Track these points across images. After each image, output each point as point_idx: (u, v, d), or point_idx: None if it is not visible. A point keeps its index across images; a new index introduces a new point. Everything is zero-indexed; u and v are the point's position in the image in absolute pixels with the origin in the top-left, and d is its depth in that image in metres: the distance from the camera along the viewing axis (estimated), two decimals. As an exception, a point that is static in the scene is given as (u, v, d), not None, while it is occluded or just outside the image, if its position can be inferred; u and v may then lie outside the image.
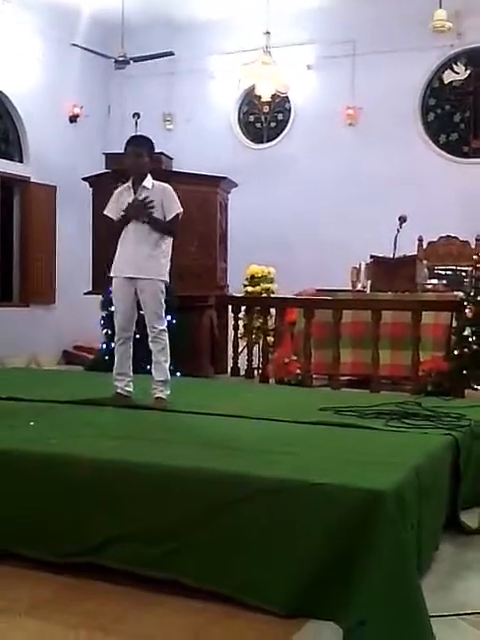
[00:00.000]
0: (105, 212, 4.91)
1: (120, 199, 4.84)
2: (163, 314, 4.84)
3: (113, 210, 4.86)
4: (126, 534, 3.08)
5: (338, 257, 9.19)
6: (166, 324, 4.87)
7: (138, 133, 8.26)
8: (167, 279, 4.85)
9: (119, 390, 4.88)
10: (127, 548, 3.06)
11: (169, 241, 4.85)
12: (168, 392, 4.81)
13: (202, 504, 2.98)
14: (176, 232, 4.89)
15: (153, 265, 4.76)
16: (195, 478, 3.05)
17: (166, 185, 4.87)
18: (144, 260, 4.74)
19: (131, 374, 4.92)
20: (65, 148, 10.99)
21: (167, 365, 4.83)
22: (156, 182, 4.84)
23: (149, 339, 4.80)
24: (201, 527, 2.97)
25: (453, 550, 3.53)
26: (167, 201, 4.78)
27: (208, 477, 3.04)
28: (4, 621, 2.71)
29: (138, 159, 4.74)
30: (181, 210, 4.83)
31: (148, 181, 4.79)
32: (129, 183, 4.83)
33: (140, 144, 4.80)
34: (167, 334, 4.84)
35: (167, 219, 4.78)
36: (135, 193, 4.77)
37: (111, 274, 4.86)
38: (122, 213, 4.77)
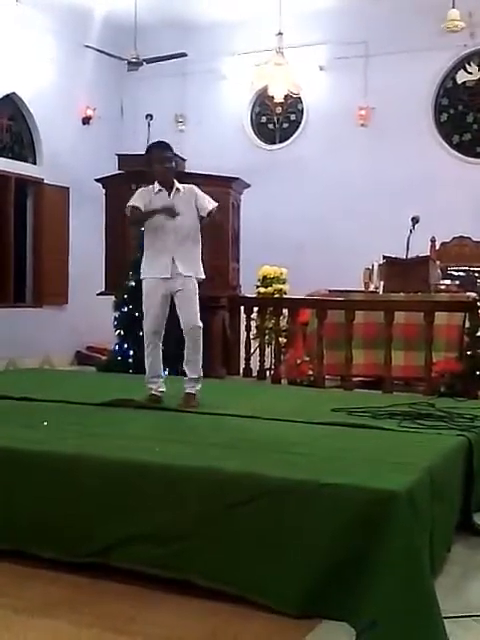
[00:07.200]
0: (132, 203, 4.83)
1: (149, 198, 4.82)
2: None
3: (140, 203, 4.83)
4: (138, 534, 3.09)
5: (350, 258, 9.18)
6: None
7: (151, 135, 8.30)
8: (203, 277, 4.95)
9: (153, 391, 4.96)
10: (139, 548, 3.07)
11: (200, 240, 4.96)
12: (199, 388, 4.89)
13: (214, 504, 2.99)
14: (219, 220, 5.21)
15: (193, 264, 4.85)
16: (207, 478, 3.06)
17: (193, 186, 4.96)
18: (184, 259, 4.80)
19: (163, 375, 5.04)
20: (78, 149, 11.01)
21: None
22: (183, 185, 4.92)
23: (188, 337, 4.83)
24: (213, 527, 2.97)
25: (466, 551, 3.52)
26: (201, 200, 4.87)
27: (220, 477, 3.05)
28: (18, 620, 2.72)
29: (167, 164, 4.81)
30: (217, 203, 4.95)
31: (177, 184, 4.86)
32: (157, 186, 4.84)
33: (167, 149, 4.87)
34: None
35: (208, 210, 4.84)
36: (170, 196, 4.80)
37: (149, 276, 4.88)
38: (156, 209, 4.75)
